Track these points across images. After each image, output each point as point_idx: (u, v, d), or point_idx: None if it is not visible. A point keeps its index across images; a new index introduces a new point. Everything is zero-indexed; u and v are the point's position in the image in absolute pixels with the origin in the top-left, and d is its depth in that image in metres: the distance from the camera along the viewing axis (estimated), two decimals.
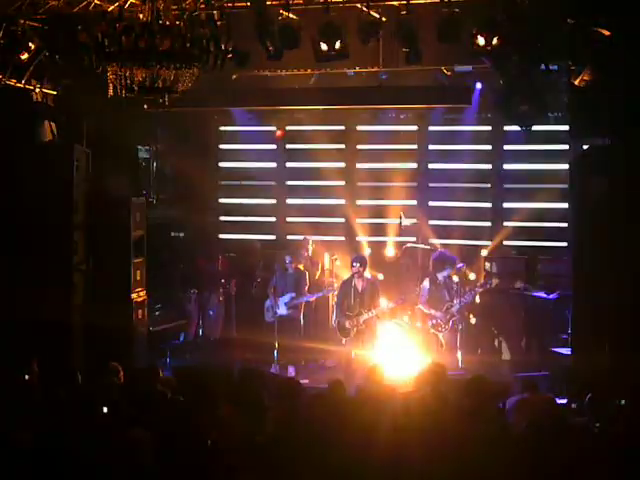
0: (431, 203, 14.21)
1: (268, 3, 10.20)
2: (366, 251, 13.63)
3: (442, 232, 13.75)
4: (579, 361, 9.92)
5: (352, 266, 11.87)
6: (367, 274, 11.98)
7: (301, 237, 13.58)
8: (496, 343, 12.88)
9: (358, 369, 11.22)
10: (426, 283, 11.95)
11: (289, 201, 15.00)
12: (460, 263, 12.20)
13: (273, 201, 15.10)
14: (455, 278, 11.90)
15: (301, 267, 12.65)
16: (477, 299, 12.90)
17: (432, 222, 13.99)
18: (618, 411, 7.18)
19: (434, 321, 11.73)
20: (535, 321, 12.32)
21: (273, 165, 15.12)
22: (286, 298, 12.38)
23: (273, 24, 10.10)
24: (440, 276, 11.82)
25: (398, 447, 6.26)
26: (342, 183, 14.67)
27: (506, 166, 13.89)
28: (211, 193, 15.19)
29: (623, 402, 7.37)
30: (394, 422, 6.88)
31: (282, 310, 12.35)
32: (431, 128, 14.15)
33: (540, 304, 12.15)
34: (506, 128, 13.44)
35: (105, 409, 6.85)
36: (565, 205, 12.54)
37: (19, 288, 10.92)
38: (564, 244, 12.73)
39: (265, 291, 12.82)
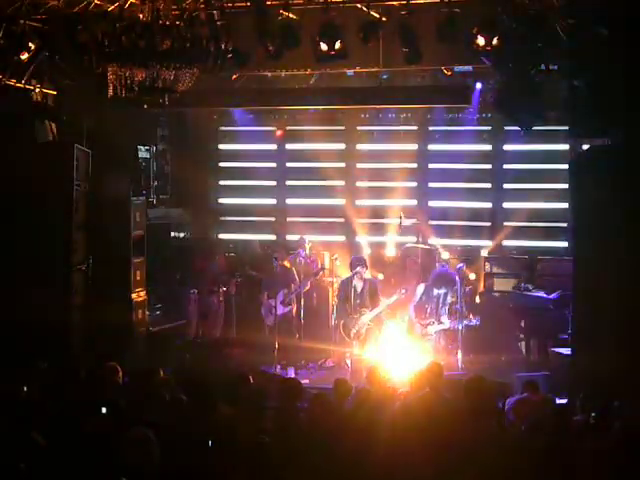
0: (431, 203, 14.21)
1: (268, 3, 10.21)
2: (366, 251, 13.64)
3: (442, 232, 13.75)
4: (579, 361, 9.92)
5: (352, 267, 11.87)
6: (366, 275, 11.99)
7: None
8: (496, 343, 12.87)
9: (358, 369, 11.24)
10: (420, 289, 11.95)
11: (289, 201, 15.00)
12: (460, 263, 12.19)
13: (273, 201, 15.10)
14: (449, 299, 11.85)
15: (287, 264, 12.67)
16: (477, 299, 12.92)
17: (432, 222, 13.98)
18: (617, 410, 7.18)
19: (414, 332, 11.83)
20: (535, 321, 12.32)
21: (273, 165, 15.12)
22: (280, 296, 12.41)
23: (273, 24, 10.11)
24: (435, 292, 11.81)
25: (397, 447, 6.26)
26: (342, 183, 14.67)
27: (506, 166, 13.88)
28: (211, 193, 15.18)
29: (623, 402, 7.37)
30: (393, 422, 6.89)
31: (280, 309, 12.36)
32: (431, 128, 14.16)
33: (540, 304, 12.15)
34: (506, 128, 13.44)
35: (104, 409, 6.85)
36: (565, 205, 12.55)
37: (19, 288, 10.91)
38: (564, 244, 12.73)
39: (258, 293, 12.87)
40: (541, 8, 9.59)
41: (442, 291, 11.77)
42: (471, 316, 11.85)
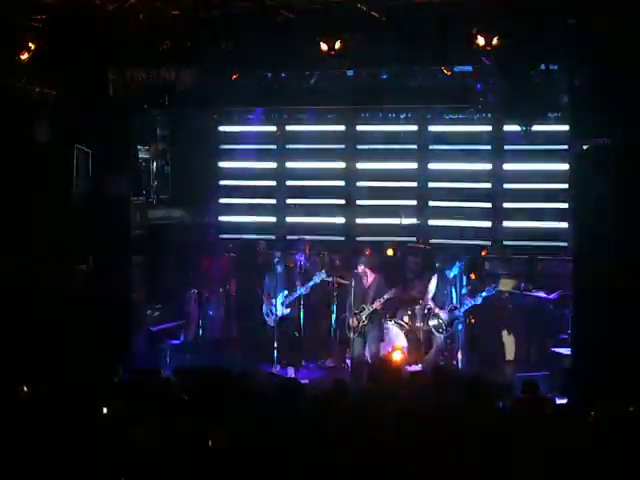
0: (431, 203, 14.21)
1: (268, 3, 10.20)
2: (366, 251, 13.63)
3: (442, 232, 13.75)
4: (579, 361, 9.93)
5: (358, 266, 11.88)
6: (371, 273, 12.00)
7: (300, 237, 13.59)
8: (496, 343, 12.88)
9: (358, 369, 11.24)
10: (434, 279, 11.92)
11: (289, 201, 15.00)
12: (460, 263, 12.19)
13: (273, 201, 15.10)
14: (465, 279, 11.83)
15: (289, 264, 12.65)
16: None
17: (432, 222, 13.98)
18: (617, 410, 7.18)
19: (436, 321, 11.71)
20: (535, 321, 12.33)
21: (273, 165, 15.12)
22: (280, 298, 12.37)
23: (273, 24, 10.12)
24: (450, 273, 11.78)
25: (398, 447, 6.26)
26: (342, 183, 14.68)
27: (506, 166, 13.88)
28: (211, 193, 15.18)
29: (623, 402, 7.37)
30: (394, 422, 6.88)
31: (281, 310, 12.33)
32: (431, 128, 14.16)
33: (540, 304, 12.15)
34: (506, 128, 13.44)
35: (105, 409, 6.85)
36: (565, 205, 12.54)
37: (19, 288, 10.91)
38: (564, 244, 12.73)
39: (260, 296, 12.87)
40: (541, 8, 9.59)
41: (455, 270, 11.69)
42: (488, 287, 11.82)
